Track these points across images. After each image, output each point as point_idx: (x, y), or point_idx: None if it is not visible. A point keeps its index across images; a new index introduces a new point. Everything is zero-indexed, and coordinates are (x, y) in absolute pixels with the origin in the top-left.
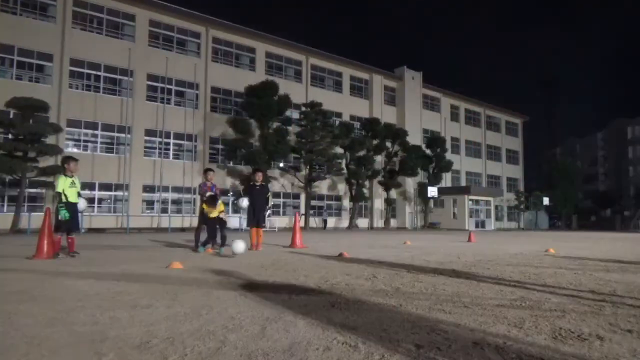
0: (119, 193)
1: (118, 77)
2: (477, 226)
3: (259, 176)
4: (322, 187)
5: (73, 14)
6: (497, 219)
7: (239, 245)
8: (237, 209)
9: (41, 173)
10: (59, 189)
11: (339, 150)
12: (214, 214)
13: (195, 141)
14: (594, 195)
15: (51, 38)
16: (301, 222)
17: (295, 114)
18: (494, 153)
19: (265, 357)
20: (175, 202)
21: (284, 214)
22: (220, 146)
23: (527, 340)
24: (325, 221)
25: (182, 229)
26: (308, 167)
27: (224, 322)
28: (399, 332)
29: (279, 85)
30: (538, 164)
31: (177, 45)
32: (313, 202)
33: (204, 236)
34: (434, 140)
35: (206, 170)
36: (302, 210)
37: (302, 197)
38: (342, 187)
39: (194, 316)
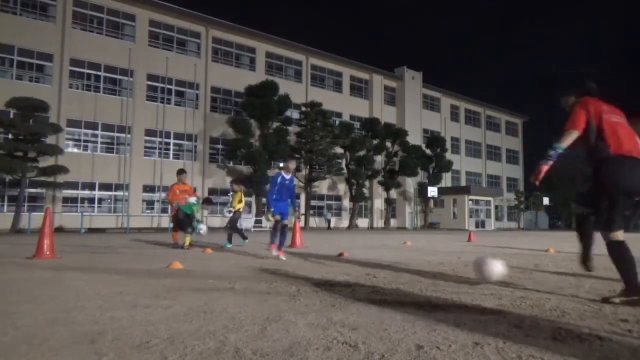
0: (119, 193)
1: (118, 77)
2: (477, 226)
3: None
4: (322, 187)
5: (73, 14)
6: (497, 219)
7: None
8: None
9: (41, 173)
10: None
11: (339, 150)
12: (239, 205)
13: (195, 141)
14: None
15: (51, 38)
16: (301, 222)
17: (295, 114)
18: (493, 153)
19: (265, 357)
20: None
21: None
22: (220, 146)
23: (527, 340)
24: (329, 221)
25: None
26: (308, 167)
27: (224, 322)
28: (399, 332)
29: (279, 85)
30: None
31: (177, 45)
32: (313, 202)
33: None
34: (434, 140)
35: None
36: (302, 210)
37: (302, 197)
38: (342, 187)
39: (194, 316)
